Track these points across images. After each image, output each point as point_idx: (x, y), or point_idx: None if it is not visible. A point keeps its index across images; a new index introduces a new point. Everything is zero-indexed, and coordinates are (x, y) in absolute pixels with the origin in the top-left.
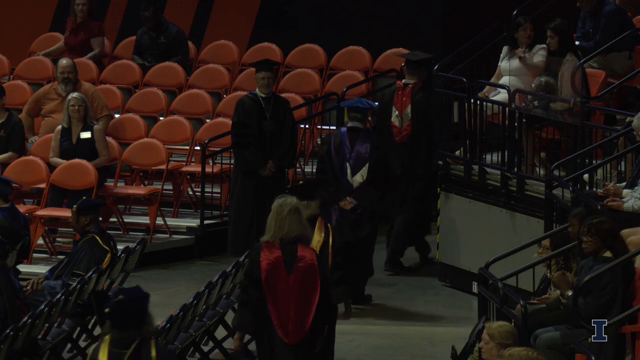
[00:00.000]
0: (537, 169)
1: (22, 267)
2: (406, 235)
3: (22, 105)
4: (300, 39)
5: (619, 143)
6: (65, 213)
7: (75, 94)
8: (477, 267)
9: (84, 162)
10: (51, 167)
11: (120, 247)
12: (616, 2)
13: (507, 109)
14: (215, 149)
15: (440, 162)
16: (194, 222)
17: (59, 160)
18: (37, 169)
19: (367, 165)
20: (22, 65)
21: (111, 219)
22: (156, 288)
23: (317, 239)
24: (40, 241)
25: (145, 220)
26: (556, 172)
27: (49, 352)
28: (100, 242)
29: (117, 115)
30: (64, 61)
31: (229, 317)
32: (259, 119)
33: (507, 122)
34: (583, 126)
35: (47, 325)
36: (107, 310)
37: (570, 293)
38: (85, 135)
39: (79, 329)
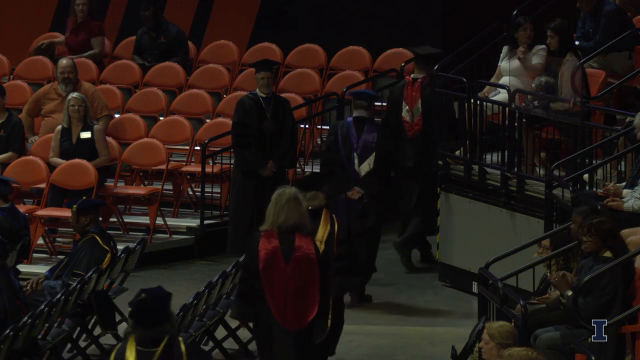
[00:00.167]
0: (537, 169)
1: (22, 267)
2: (422, 233)
3: (22, 105)
4: (300, 39)
5: (619, 143)
6: (65, 213)
7: (75, 94)
8: (477, 267)
9: (84, 162)
10: (51, 167)
11: (120, 247)
12: (616, 2)
13: (507, 109)
14: (215, 149)
15: (440, 162)
16: (194, 222)
17: (59, 160)
18: (37, 169)
19: (374, 154)
20: (22, 65)
21: (111, 219)
22: None
23: (323, 230)
24: (40, 241)
25: (145, 220)
26: (556, 172)
27: (49, 352)
28: (100, 242)
29: (117, 115)
30: (64, 61)
31: (229, 317)
32: (259, 119)
33: (507, 122)
34: (583, 126)
35: (47, 325)
36: (129, 309)
37: (570, 293)
38: (85, 135)
39: (79, 329)
